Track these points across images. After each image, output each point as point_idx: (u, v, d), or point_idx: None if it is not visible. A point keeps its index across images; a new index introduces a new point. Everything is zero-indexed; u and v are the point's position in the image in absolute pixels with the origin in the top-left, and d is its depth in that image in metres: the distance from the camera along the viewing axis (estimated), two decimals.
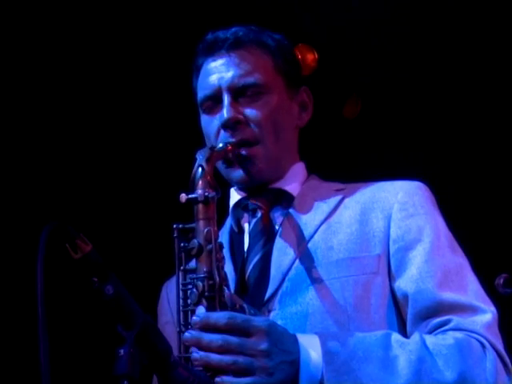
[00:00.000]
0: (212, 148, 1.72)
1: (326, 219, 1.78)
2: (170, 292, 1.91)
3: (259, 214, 1.84)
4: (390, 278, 1.72)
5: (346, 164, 3.58)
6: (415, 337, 1.61)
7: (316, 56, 3.51)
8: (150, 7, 3.20)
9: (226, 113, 1.80)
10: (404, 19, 3.37)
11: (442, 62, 3.52)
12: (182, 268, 1.62)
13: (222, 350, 1.49)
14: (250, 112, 1.81)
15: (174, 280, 1.88)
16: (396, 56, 3.51)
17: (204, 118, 1.88)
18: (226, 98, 1.81)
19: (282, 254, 1.75)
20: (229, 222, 1.90)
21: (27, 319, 1.74)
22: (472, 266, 1.76)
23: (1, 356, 3.27)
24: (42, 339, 1.27)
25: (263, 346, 1.49)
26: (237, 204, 1.89)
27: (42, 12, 3.08)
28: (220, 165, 1.82)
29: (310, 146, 1.99)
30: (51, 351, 1.28)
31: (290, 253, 1.75)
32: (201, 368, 1.50)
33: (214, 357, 1.49)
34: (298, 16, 3.36)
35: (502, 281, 1.85)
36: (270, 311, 1.70)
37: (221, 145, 1.77)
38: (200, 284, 1.55)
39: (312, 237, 1.76)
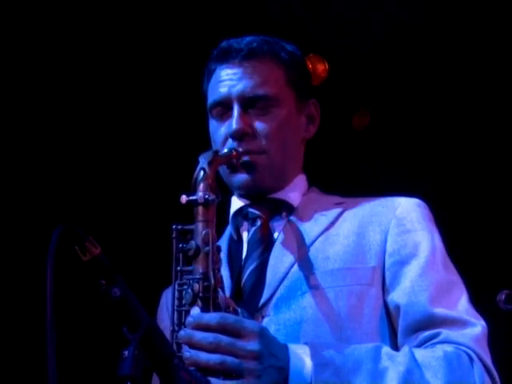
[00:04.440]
0: (215, 152, 1.73)
1: (324, 231, 1.79)
2: (168, 299, 1.90)
3: (258, 223, 1.84)
4: (384, 291, 1.73)
5: (354, 175, 3.60)
6: (404, 349, 1.62)
7: (327, 66, 3.53)
8: (160, 10, 3.22)
9: (234, 124, 1.80)
10: (413, 31, 3.39)
11: (452, 75, 3.54)
12: (178, 269, 1.62)
13: (212, 347, 1.48)
14: (258, 125, 1.82)
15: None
16: (406, 68, 3.53)
17: (212, 123, 1.88)
18: (236, 109, 1.81)
19: (279, 261, 1.76)
20: (228, 230, 1.91)
21: (36, 319, 1.76)
22: (474, 283, 1.78)
23: (9, 355, 3.31)
24: (50, 339, 1.29)
25: (254, 347, 1.50)
26: (237, 212, 1.89)
27: (45, 13, 3.11)
28: (223, 170, 1.83)
29: (318, 157, 2.00)
30: (58, 351, 1.30)
31: (287, 260, 1.76)
32: (191, 368, 1.48)
33: (203, 356, 1.48)
34: (310, 27, 3.38)
35: (503, 297, 1.87)
36: (263, 317, 1.70)
37: (226, 150, 1.78)
38: (195, 285, 1.55)
39: (309, 246, 1.77)
